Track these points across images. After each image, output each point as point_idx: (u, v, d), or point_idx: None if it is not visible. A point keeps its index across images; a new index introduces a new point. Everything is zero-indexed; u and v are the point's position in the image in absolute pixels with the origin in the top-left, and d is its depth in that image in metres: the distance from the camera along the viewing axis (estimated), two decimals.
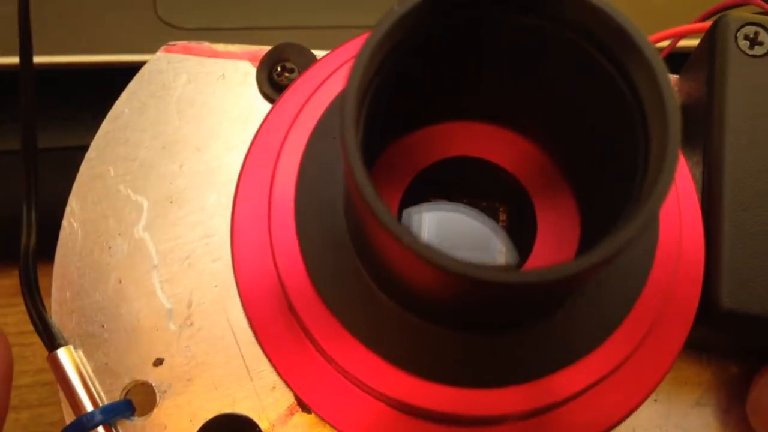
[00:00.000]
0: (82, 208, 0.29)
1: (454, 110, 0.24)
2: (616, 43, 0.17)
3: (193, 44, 0.31)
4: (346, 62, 0.26)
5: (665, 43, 0.33)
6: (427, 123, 0.24)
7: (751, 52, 0.27)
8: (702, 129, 0.27)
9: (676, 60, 0.32)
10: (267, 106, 0.31)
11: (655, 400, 0.28)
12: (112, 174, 0.30)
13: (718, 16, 0.28)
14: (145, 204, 0.29)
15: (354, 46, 0.26)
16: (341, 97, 0.16)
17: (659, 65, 0.16)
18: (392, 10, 0.16)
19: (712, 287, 0.25)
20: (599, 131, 0.19)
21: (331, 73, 0.25)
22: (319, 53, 0.31)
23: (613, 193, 0.18)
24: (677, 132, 0.15)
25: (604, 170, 0.19)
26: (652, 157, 0.15)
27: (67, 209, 0.29)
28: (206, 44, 0.31)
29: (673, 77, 0.32)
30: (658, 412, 0.28)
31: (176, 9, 0.43)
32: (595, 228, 0.20)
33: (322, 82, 0.25)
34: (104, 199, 0.29)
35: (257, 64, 0.31)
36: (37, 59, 0.42)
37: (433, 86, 0.22)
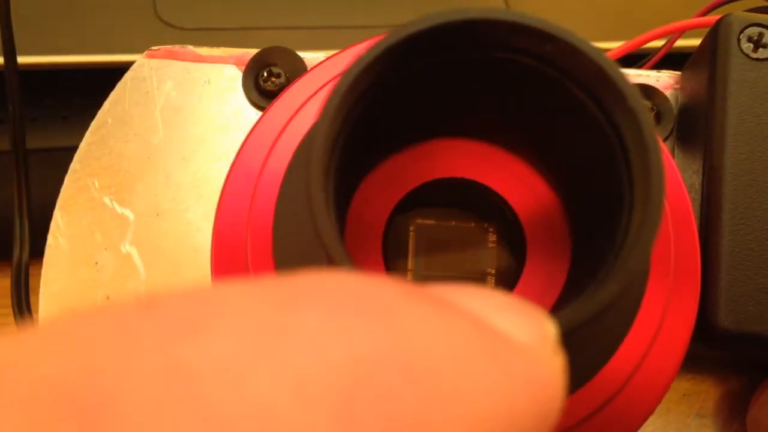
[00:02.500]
0: (68, 222, 0.29)
1: (447, 129, 0.23)
2: (600, 87, 0.16)
3: (177, 48, 0.30)
4: (336, 76, 0.25)
5: (660, 43, 0.32)
6: (418, 141, 0.23)
7: (754, 56, 0.25)
8: (702, 136, 0.26)
9: (676, 58, 0.31)
10: (254, 112, 0.30)
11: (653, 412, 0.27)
12: (96, 186, 0.29)
13: (721, 13, 0.27)
14: (132, 217, 0.29)
15: (348, 55, 0.25)
16: (307, 158, 0.15)
17: (647, 125, 0.15)
18: (360, 57, 0.15)
19: (710, 305, 0.24)
20: (592, 171, 0.18)
21: (322, 85, 0.25)
22: (312, 55, 0.30)
23: (602, 235, 0.17)
24: (659, 204, 0.14)
25: (597, 212, 0.18)
26: (634, 220, 0.15)
27: (52, 224, 0.29)
28: (190, 48, 0.30)
29: (675, 74, 0.30)
30: (656, 424, 0.27)
31: (176, 9, 0.43)
32: (583, 266, 0.20)
33: (312, 95, 0.24)
34: (90, 213, 0.29)
35: (243, 68, 0.30)
36: (36, 59, 0.42)
37: (420, 111, 0.21)
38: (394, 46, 0.16)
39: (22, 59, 0.41)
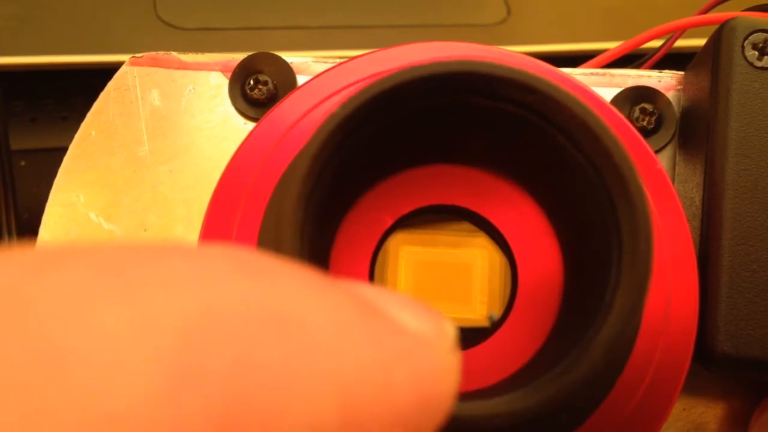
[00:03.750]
0: (54, 239, 0.28)
1: (440, 156, 0.22)
2: (585, 141, 0.15)
3: (161, 55, 0.29)
4: (334, 93, 0.24)
5: (657, 43, 0.31)
6: (411, 166, 0.23)
7: (759, 64, 0.24)
8: (703, 150, 0.25)
9: (677, 58, 0.30)
10: (241, 120, 0.29)
11: None
12: (82, 201, 0.28)
13: (722, 11, 0.26)
14: (118, 234, 0.28)
15: (344, 70, 0.25)
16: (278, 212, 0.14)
17: (635, 185, 0.14)
18: (334, 113, 0.15)
19: (709, 329, 0.23)
20: (590, 221, 0.17)
21: (316, 104, 0.24)
22: (300, 59, 0.29)
23: (592, 284, 0.17)
24: (645, 277, 0.13)
25: (590, 269, 0.17)
26: (622, 283, 0.14)
27: (38, 241, 0.28)
28: (174, 54, 0.29)
29: (678, 74, 0.29)
30: None
31: (176, 9, 0.42)
32: (572, 308, 0.19)
33: (307, 112, 0.24)
34: (75, 229, 0.28)
35: (229, 75, 0.29)
36: (37, 59, 0.41)
37: (408, 144, 0.20)
38: (369, 100, 0.15)
39: (23, 59, 0.41)
